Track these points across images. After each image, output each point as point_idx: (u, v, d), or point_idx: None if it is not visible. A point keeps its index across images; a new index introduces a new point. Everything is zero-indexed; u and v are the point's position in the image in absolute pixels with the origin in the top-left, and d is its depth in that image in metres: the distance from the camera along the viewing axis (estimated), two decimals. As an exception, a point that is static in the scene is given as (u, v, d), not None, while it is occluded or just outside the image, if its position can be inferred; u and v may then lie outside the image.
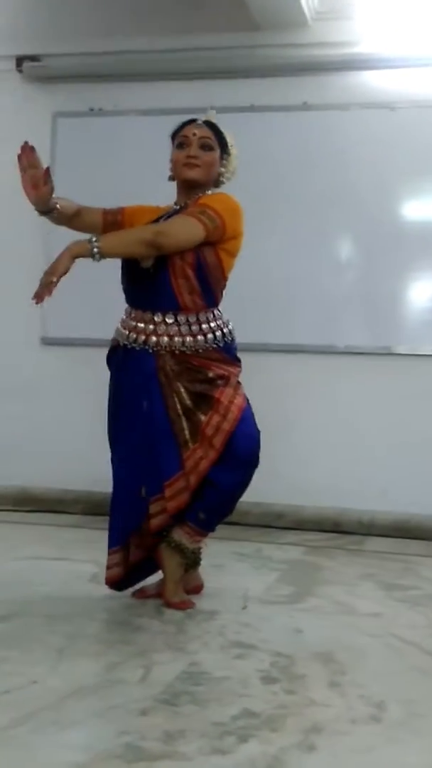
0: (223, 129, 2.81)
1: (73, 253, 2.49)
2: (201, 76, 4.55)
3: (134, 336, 2.67)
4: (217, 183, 2.81)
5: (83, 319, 4.55)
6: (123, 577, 2.71)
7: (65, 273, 2.47)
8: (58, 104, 4.72)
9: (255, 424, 2.69)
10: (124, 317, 2.77)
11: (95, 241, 2.50)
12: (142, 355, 2.65)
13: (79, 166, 4.64)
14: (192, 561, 2.73)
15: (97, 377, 4.49)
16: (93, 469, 4.40)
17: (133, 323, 2.69)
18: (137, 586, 2.79)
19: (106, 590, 2.82)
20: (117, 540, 2.69)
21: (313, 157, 4.40)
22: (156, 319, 2.64)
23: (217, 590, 2.90)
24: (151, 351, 2.64)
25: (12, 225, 4.59)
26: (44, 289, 2.46)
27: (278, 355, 4.35)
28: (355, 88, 4.43)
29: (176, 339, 2.64)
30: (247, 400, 2.70)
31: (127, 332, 2.70)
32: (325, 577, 3.21)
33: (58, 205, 2.63)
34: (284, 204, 4.40)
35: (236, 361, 2.75)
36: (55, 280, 2.45)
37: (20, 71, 4.74)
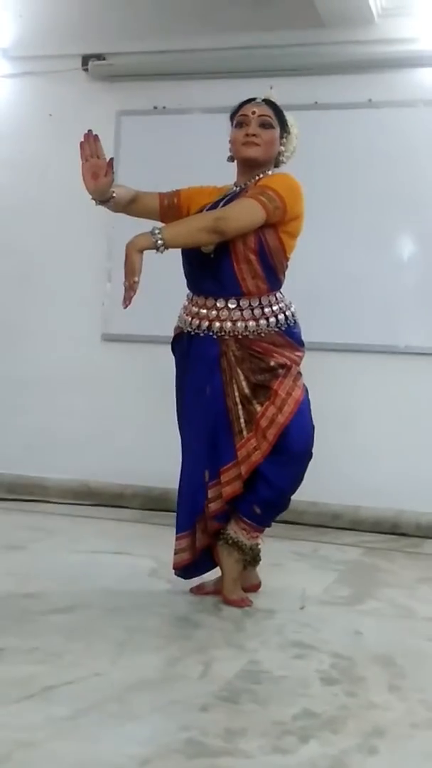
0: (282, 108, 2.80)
1: (138, 247, 2.50)
2: (265, 74, 4.47)
3: (197, 322, 2.68)
4: (277, 162, 2.79)
5: (143, 316, 4.58)
6: (190, 563, 2.71)
7: (141, 269, 2.48)
8: (123, 102, 4.75)
9: (311, 418, 2.68)
10: (186, 304, 2.77)
11: (158, 233, 2.50)
12: (206, 342, 2.66)
13: (143, 164, 4.67)
14: (250, 558, 2.74)
15: (157, 373, 4.55)
16: (152, 464, 4.47)
17: (196, 309, 2.70)
18: (197, 580, 2.80)
19: (165, 585, 2.86)
20: (184, 525, 2.69)
21: (377, 154, 4.36)
22: (219, 304, 2.65)
23: (275, 589, 2.90)
24: (215, 337, 2.65)
25: (76, 222, 4.64)
26: (129, 292, 2.50)
27: (337, 354, 4.32)
28: (421, 86, 4.38)
29: (239, 324, 2.63)
30: (306, 392, 2.68)
31: (190, 319, 2.71)
32: (384, 580, 3.19)
33: (114, 194, 2.63)
34: (346, 201, 4.37)
35: (300, 346, 2.74)
36: (136, 279, 2.48)
37: (86, 70, 4.80)
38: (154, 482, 4.45)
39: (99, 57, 4.76)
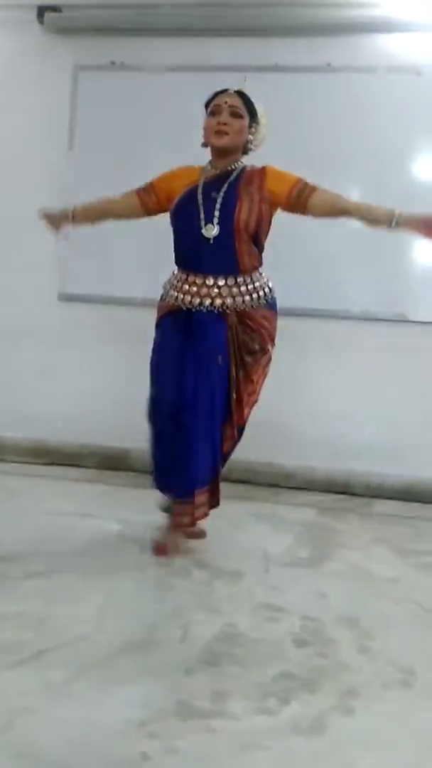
0: (254, 99, 2.95)
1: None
2: (224, 33, 4.52)
3: (198, 300, 2.86)
4: (245, 150, 2.97)
5: (100, 276, 4.60)
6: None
7: None
8: (80, 57, 4.66)
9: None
10: (176, 283, 2.93)
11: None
12: (212, 318, 2.85)
13: (100, 120, 4.63)
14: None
15: (114, 333, 4.60)
16: (109, 423, 4.53)
17: (195, 288, 2.87)
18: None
19: (133, 547, 2.96)
20: (205, 480, 2.91)
21: (336, 119, 4.39)
22: (219, 282, 2.85)
23: (239, 551, 3.02)
24: (216, 312, 2.85)
25: (28, 178, 4.58)
26: None
27: (289, 318, 4.37)
28: (381, 51, 4.41)
29: (237, 299, 2.86)
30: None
31: (189, 297, 2.87)
32: (340, 540, 3.33)
33: (71, 225, 3.09)
34: (305, 165, 4.36)
35: (276, 315, 3.01)
36: None
37: (41, 22, 4.67)
38: (111, 442, 4.52)
39: (55, 9, 4.63)
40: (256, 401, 2.99)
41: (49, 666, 1.92)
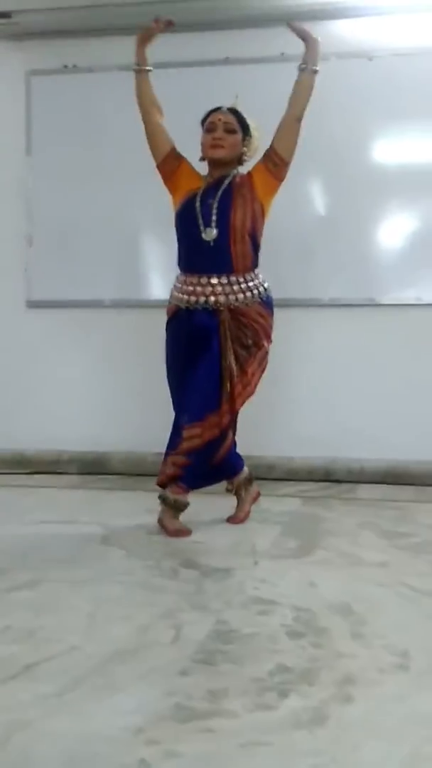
0: (245, 115, 3.31)
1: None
2: (176, 29, 4.48)
3: (194, 299, 3.16)
4: (240, 161, 3.30)
5: (67, 281, 4.57)
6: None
7: None
8: (32, 62, 4.64)
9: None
10: (179, 285, 3.23)
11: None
12: (206, 314, 3.15)
13: (56, 124, 4.61)
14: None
15: (83, 338, 4.57)
16: (86, 429, 4.50)
17: (191, 288, 3.17)
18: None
19: (119, 551, 2.93)
20: (195, 416, 3.14)
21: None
22: (213, 281, 3.14)
23: (226, 546, 3.01)
24: (211, 309, 3.14)
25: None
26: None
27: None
28: (333, 38, 4.39)
29: (230, 296, 3.15)
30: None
31: (187, 297, 3.17)
32: (327, 528, 3.33)
33: (149, 70, 3.29)
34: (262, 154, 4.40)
35: (272, 313, 3.29)
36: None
37: (-9, 28, 4.64)
38: (90, 447, 4.49)
39: (4, 15, 4.59)
40: (251, 393, 3.23)
41: (41, 679, 1.88)
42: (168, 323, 3.27)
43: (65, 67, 4.61)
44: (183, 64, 4.48)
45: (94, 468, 4.41)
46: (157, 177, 3.34)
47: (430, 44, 4.30)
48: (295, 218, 4.38)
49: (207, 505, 3.38)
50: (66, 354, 4.59)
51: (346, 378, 4.38)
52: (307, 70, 3.23)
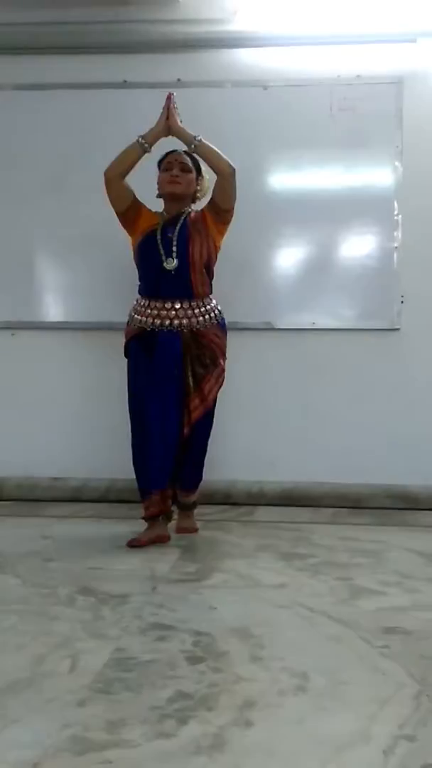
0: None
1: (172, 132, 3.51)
2: (74, 51, 4.48)
3: (159, 321, 3.43)
4: (193, 198, 3.60)
5: (31, 304, 4.46)
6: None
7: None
8: None
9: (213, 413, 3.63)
10: (140, 308, 3.48)
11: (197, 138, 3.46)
12: (170, 335, 3.42)
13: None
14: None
15: (40, 360, 4.44)
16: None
17: (156, 312, 3.44)
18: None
19: (13, 580, 2.84)
20: (160, 482, 3.46)
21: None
22: (176, 305, 3.43)
23: (123, 573, 2.97)
24: (175, 331, 3.42)
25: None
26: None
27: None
28: (229, 66, 4.48)
29: (192, 320, 3.44)
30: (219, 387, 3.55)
31: (151, 320, 3.44)
32: (226, 551, 3.33)
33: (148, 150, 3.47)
34: (154, 179, 4.41)
35: (226, 333, 3.60)
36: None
37: None
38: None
39: None
40: (209, 407, 3.51)
41: None
42: (128, 343, 3.50)
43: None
44: (82, 86, 4.46)
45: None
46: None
47: (323, 75, 4.40)
48: (254, 244, 4.40)
49: (105, 529, 3.32)
50: (38, 378, 4.47)
51: (244, 401, 4.40)
52: (196, 147, 3.45)
